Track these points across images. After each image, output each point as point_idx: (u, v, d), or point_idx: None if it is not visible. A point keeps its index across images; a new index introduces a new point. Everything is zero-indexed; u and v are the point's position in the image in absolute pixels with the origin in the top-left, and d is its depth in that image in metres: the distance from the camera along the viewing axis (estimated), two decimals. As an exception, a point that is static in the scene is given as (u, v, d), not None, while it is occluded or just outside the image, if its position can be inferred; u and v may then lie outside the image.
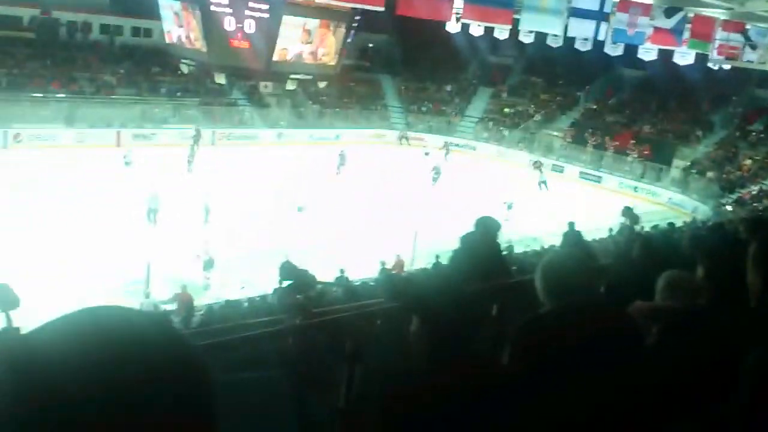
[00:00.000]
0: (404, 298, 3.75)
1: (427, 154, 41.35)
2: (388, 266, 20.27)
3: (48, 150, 33.23)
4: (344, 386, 3.47)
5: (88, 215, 24.49)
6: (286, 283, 6.01)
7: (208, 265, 20.34)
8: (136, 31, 44.68)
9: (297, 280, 5.76)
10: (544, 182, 36.91)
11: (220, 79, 20.36)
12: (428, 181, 34.67)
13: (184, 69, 19.87)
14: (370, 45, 52.82)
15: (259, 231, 24.16)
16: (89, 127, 36.95)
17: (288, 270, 6.08)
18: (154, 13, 21.25)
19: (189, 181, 30.68)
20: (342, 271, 18.01)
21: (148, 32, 43.97)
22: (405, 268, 20.76)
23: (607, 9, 17.37)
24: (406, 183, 33.41)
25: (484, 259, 5.51)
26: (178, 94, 42.35)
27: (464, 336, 2.29)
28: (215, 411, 0.91)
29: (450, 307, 2.30)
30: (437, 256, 17.70)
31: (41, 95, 37.76)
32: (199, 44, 17.24)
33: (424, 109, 51.35)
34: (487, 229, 6.17)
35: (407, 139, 46.97)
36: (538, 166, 38.93)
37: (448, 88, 53.17)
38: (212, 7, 16.59)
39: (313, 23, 17.56)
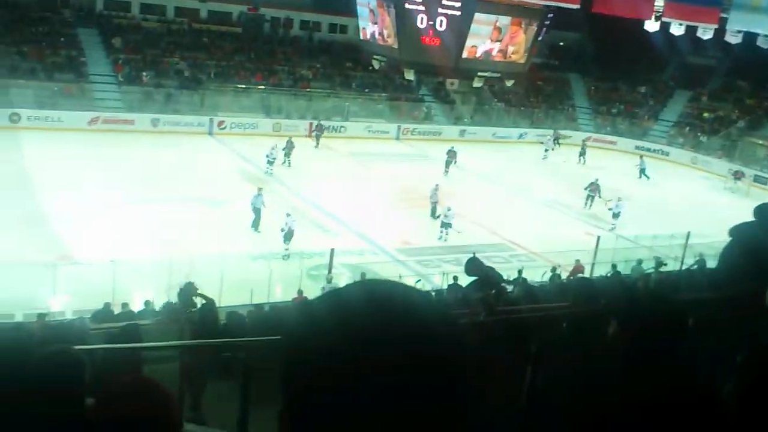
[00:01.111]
0: (604, 301, 3.64)
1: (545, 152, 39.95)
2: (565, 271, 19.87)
3: (245, 138, 35.52)
4: (527, 386, 3.46)
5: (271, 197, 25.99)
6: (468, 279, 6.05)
7: (288, 236, 21.58)
8: (333, 27, 46.52)
9: (483, 276, 5.78)
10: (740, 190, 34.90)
11: (409, 75, 20.80)
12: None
13: (376, 65, 20.42)
14: (561, 43, 51.59)
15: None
16: (285, 118, 39.01)
17: (475, 266, 6.11)
18: (350, 10, 22.00)
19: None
20: (520, 272, 17.84)
21: (344, 29, 45.71)
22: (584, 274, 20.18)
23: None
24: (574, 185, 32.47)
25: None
26: (366, 90, 43.61)
27: (668, 347, 2.18)
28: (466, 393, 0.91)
29: (659, 314, 2.20)
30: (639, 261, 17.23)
31: (244, 86, 40.36)
32: (392, 41, 17.69)
33: (614, 110, 49.43)
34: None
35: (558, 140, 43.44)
36: (739, 177, 36.52)
37: (642, 89, 50.77)
38: (406, 5, 16.95)
39: (504, 21, 17.48)
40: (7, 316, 15.41)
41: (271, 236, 21.90)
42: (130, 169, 27.15)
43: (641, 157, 38.75)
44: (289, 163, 31.14)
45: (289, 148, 31.39)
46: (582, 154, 39.60)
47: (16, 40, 36.66)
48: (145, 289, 17.45)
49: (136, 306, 15.93)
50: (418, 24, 16.98)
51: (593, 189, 29.12)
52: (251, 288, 16.72)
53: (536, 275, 18.50)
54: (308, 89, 42.09)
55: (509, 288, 15.54)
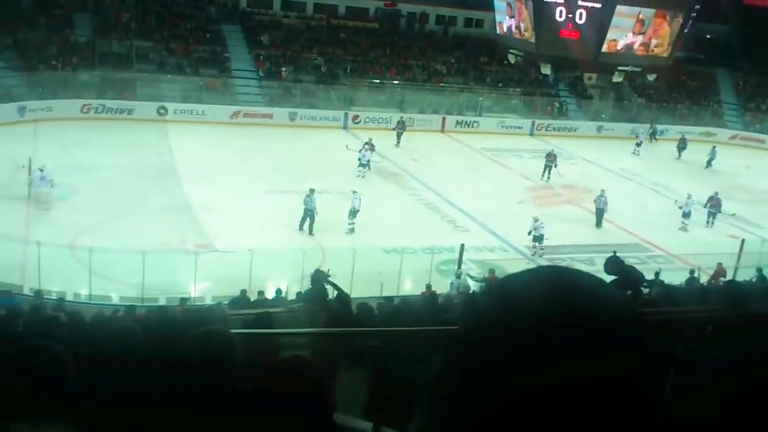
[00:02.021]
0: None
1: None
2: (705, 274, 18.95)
3: (379, 132, 35.94)
4: (669, 390, 3.29)
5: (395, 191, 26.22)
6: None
7: (352, 213, 22.33)
8: (468, 21, 46.33)
9: (623, 275, 5.56)
10: None
11: (546, 69, 20.33)
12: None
13: (511, 59, 20.11)
14: (707, 36, 48.99)
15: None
16: (418, 113, 39.19)
17: (615, 265, 5.88)
18: (487, 5, 21.79)
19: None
20: (657, 274, 17.12)
21: (479, 23, 45.44)
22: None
23: None
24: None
25: None
26: (500, 84, 43.10)
27: None
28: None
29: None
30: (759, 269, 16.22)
31: (378, 81, 40.88)
32: (528, 34, 17.35)
33: (764, 107, 46.48)
34: None
35: (655, 134, 40.72)
36: None
37: (797, 84, 47.53)
38: (545, -2, 16.59)
39: (648, 13, 16.74)
40: (152, 299, 16.35)
41: (403, 230, 22.09)
42: (268, 161, 28.12)
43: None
44: (369, 166, 28.75)
45: (366, 149, 28.84)
46: (681, 149, 37.17)
47: (165, 37, 38.72)
48: (279, 278, 18.05)
49: (271, 294, 16.51)
50: (557, 17, 16.57)
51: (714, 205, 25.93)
52: (381, 281, 16.93)
53: (674, 278, 17.70)
54: (442, 84, 42.11)
55: (646, 290, 15.03)
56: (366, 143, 28.68)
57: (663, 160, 36.14)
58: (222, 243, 19.88)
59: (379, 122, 37.59)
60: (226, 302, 15.16)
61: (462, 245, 19.70)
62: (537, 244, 21.94)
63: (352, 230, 22.28)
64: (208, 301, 16.42)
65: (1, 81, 32.76)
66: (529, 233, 22.04)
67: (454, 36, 45.97)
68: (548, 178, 29.72)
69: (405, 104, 39.64)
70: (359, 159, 28.06)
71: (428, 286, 16.95)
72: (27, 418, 2.03)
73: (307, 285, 14.89)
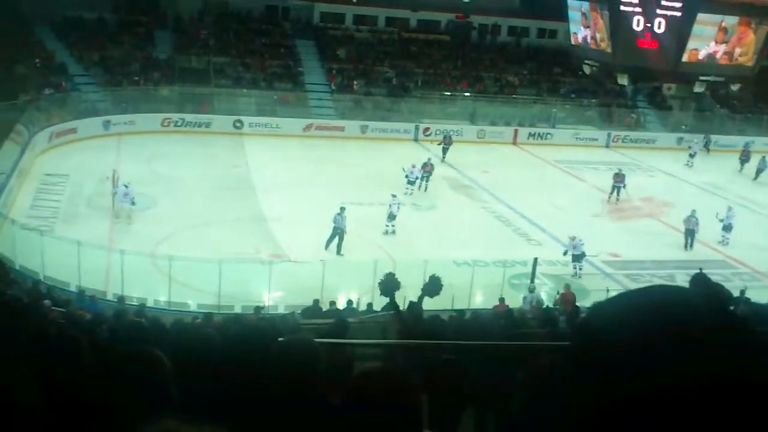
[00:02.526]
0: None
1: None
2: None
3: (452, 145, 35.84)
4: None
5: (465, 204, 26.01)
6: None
7: (391, 217, 22.61)
8: (541, 32, 45.82)
9: (711, 294, 5.36)
10: None
11: (623, 80, 19.94)
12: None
13: (586, 70, 19.82)
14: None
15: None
16: (490, 125, 38.96)
17: (702, 283, 5.68)
18: (560, 15, 21.59)
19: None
20: (742, 292, 16.52)
21: (553, 33, 44.90)
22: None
23: None
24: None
25: None
26: (573, 95, 42.48)
27: None
28: None
29: None
30: None
31: (450, 94, 40.83)
32: (605, 44, 17.07)
33: None
34: None
35: (708, 145, 38.96)
36: None
37: None
38: (622, 7, 16.30)
39: (731, 21, 16.24)
40: (228, 307, 16.68)
41: (474, 243, 21.95)
42: (340, 173, 28.39)
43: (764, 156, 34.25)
44: (426, 188, 27.76)
45: (428, 172, 27.91)
46: (744, 161, 34.90)
47: (241, 52, 39.62)
48: (350, 289, 18.16)
49: (342, 304, 16.62)
50: (634, 26, 16.26)
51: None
52: (452, 293, 16.82)
53: (762, 296, 17.07)
54: (514, 96, 41.76)
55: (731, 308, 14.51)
56: (425, 163, 27.99)
57: (729, 172, 34.54)
58: (295, 253, 20.14)
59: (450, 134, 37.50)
60: (299, 312, 15.34)
61: (535, 259, 19.47)
62: (576, 264, 20.76)
63: (389, 232, 22.71)
64: (282, 310, 16.67)
65: (87, 96, 34.15)
66: (565, 253, 20.93)
67: (527, 47, 45.55)
68: (617, 199, 28.19)
69: (476, 116, 39.46)
70: (407, 176, 27.03)
71: (501, 300, 16.78)
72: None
73: (377, 298, 14.92)
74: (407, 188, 26.95)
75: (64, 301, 15.10)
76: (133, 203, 22.28)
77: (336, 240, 21.09)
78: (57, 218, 22.41)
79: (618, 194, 28.14)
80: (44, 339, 5.61)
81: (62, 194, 24.59)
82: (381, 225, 22.92)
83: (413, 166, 27.43)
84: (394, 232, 22.82)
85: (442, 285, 9.31)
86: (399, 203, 23.12)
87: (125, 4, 39.84)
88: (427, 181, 27.69)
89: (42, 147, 29.03)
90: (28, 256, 18.24)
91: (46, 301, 13.61)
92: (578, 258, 20.72)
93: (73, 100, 33.55)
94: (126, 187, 22.24)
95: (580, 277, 20.56)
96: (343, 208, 21.23)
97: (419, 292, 10.02)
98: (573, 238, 21.04)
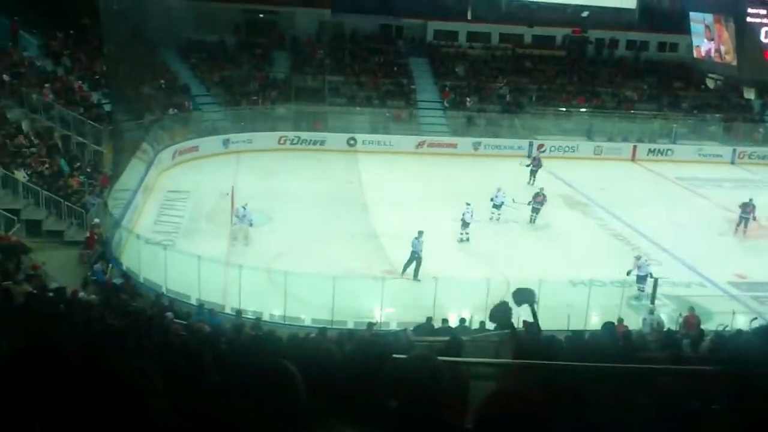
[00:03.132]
0: None
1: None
2: None
3: (565, 161, 35.24)
4: None
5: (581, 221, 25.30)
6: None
7: (465, 224, 23.04)
8: (662, 46, 44.43)
9: None
10: None
11: (749, 93, 19.14)
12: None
13: (710, 84, 19.17)
14: None
15: None
16: (607, 141, 37.97)
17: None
18: (681, 28, 20.93)
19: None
20: None
21: (673, 47, 43.52)
22: None
23: None
24: None
25: None
26: (695, 111, 40.80)
27: None
28: None
29: None
30: None
31: (565, 109, 40.10)
32: (730, 57, 16.46)
33: None
34: None
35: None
36: None
37: None
38: (749, 18, 15.66)
39: None
40: (340, 322, 16.90)
41: (591, 261, 21.39)
42: (452, 190, 28.28)
43: None
44: (534, 219, 25.64)
45: (539, 203, 25.60)
46: None
47: (356, 71, 40.35)
48: (462, 307, 18.04)
49: (453, 322, 16.50)
50: (762, 38, 15.57)
51: None
52: (569, 314, 16.43)
53: None
54: (633, 111, 40.58)
55: None
56: (537, 193, 25.93)
57: None
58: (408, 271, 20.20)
59: (565, 151, 36.83)
60: (411, 328, 15.35)
61: (655, 279, 18.79)
62: (640, 285, 19.85)
63: (464, 240, 23.04)
64: (394, 327, 16.73)
65: (208, 115, 35.61)
66: (629, 273, 19.92)
67: (646, 61, 44.19)
68: (744, 231, 25.58)
69: (593, 132, 38.55)
70: (492, 200, 25.34)
71: (620, 320, 16.24)
72: None
73: (490, 316, 14.73)
74: (493, 212, 25.34)
75: (185, 314, 15.76)
76: (251, 224, 22.72)
77: (414, 264, 20.50)
78: (179, 233, 23.33)
79: (746, 226, 25.57)
80: (169, 350, 5.86)
81: (184, 210, 25.64)
82: (493, 242, 22.69)
83: (498, 190, 25.52)
84: (468, 239, 23.05)
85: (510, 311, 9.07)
86: (472, 211, 23.28)
87: (245, 27, 41.40)
88: (537, 213, 25.51)
89: (166, 164, 30.45)
90: (151, 270, 19.11)
91: (169, 314, 14.24)
92: (642, 279, 19.97)
93: (195, 120, 35.07)
94: (244, 208, 22.73)
95: (641, 300, 19.73)
96: (421, 232, 20.54)
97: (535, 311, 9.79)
98: (638, 258, 20.46)
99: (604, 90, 41.74)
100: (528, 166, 31.14)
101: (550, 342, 8.69)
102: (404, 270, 20.55)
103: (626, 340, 12.13)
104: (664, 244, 23.73)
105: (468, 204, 23.33)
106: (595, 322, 17.42)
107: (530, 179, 30.53)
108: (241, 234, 22.81)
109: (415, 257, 20.47)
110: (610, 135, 38.66)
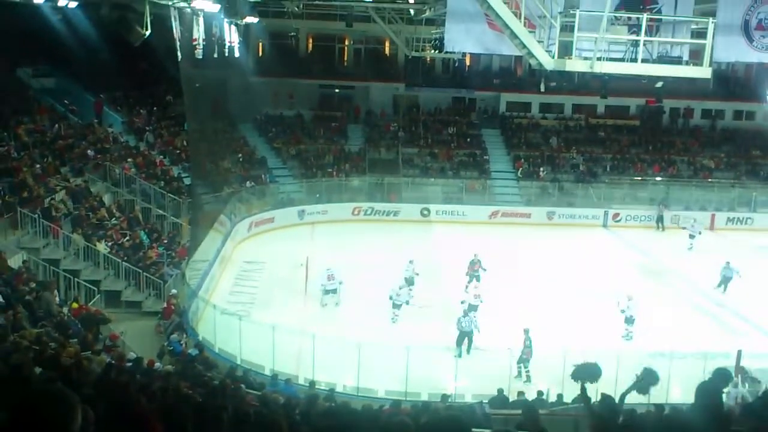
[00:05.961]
0: None
1: None
2: None
3: (641, 230, 34.65)
4: None
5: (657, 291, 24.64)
6: None
7: (630, 320, 21.09)
8: (738, 114, 43.79)
9: None
10: None
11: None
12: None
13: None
14: None
15: None
16: (684, 209, 37.22)
17: None
18: (757, 96, 20.62)
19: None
20: None
21: (750, 115, 42.96)
22: None
23: None
24: None
25: None
26: (775, 179, 39.83)
27: None
28: None
29: None
30: None
31: (640, 178, 39.63)
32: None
33: None
34: None
35: None
36: None
37: None
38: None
39: None
40: (414, 394, 16.81)
41: (670, 332, 20.81)
42: (527, 260, 28.10)
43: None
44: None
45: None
46: None
47: (429, 142, 40.98)
48: (538, 379, 17.74)
49: (531, 394, 16.22)
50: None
51: None
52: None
53: None
54: (710, 180, 39.82)
55: None
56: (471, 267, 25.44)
57: None
58: (481, 341, 20.00)
59: (641, 220, 36.27)
60: (486, 401, 15.15)
61: (739, 351, 18.08)
62: (628, 326, 20.62)
63: (629, 338, 21.23)
64: (468, 399, 16.54)
65: (284, 188, 36.58)
66: (623, 312, 20.80)
67: (722, 129, 43.54)
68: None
69: (669, 201, 37.87)
70: (391, 297, 22.53)
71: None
72: None
73: (568, 387, 14.45)
74: (394, 313, 22.52)
75: (259, 384, 15.95)
76: (340, 283, 23.54)
77: (465, 342, 19.92)
78: (254, 303, 23.73)
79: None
80: (245, 421, 6.01)
81: (259, 280, 26.14)
82: (568, 314, 22.31)
83: (400, 288, 22.88)
84: (408, 302, 22.47)
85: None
86: (413, 269, 23.84)
87: (321, 102, 42.72)
88: (478, 280, 24.55)
89: (242, 236, 31.25)
90: (226, 340, 19.47)
91: (243, 385, 14.44)
92: (630, 321, 20.65)
93: (271, 192, 36.06)
94: (328, 270, 23.55)
95: (631, 339, 20.52)
96: (466, 312, 20.30)
97: (613, 385, 9.63)
98: (630, 299, 20.84)
99: (679, 159, 41.19)
100: (466, 273, 25.77)
101: (630, 416, 8.50)
102: (458, 352, 19.85)
103: (714, 414, 11.66)
104: (748, 314, 22.98)
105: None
106: (676, 396, 16.87)
107: (466, 285, 25.06)
108: (330, 299, 23.55)
109: (465, 335, 19.93)
110: (686, 204, 37.91)
